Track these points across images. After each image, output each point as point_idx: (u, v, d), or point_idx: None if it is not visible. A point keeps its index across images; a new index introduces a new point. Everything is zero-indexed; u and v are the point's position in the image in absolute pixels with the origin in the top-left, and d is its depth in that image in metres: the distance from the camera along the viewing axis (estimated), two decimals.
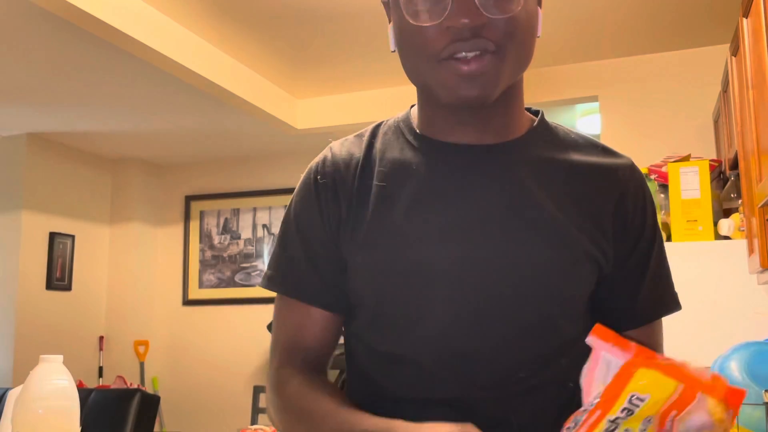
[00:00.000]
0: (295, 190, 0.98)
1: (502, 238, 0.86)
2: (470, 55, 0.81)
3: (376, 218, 0.89)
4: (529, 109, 0.98)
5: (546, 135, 0.95)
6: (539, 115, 0.97)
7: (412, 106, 0.99)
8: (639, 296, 0.94)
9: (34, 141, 4.85)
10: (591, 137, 0.99)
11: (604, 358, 0.62)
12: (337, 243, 0.91)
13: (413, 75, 0.89)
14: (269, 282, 0.97)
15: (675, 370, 0.60)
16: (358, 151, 0.94)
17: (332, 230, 0.91)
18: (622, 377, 0.60)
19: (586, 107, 4.45)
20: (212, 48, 3.73)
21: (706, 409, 0.60)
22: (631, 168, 0.95)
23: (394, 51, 0.91)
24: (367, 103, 4.37)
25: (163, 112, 4.40)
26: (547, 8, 3.95)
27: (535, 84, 3.96)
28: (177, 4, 3.26)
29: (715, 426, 0.60)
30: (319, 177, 0.94)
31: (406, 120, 0.97)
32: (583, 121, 4.79)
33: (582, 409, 0.62)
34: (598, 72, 3.93)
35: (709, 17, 3.38)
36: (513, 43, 0.83)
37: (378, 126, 0.98)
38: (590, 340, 0.63)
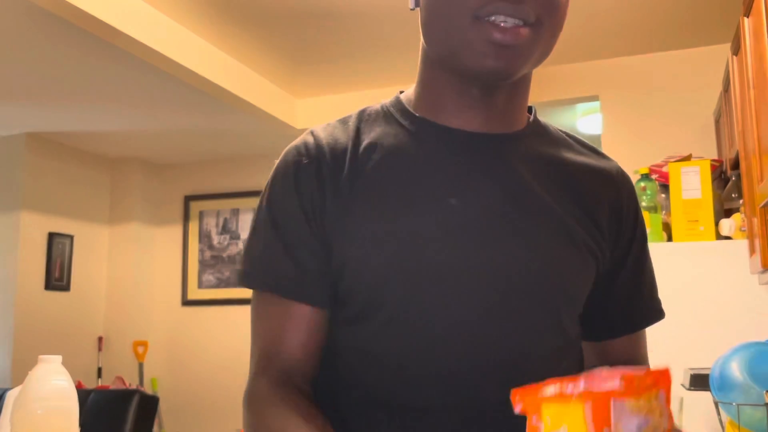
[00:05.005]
0: (270, 178, 0.88)
1: (508, 235, 0.82)
2: (509, 22, 0.76)
3: (371, 211, 0.81)
4: None
5: (541, 131, 0.92)
6: (533, 112, 0.93)
7: (401, 92, 0.93)
8: (637, 301, 0.93)
9: (33, 141, 4.84)
10: (579, 137, 0.96)
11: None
12: (321, 230, 0.82)
13: (437, 35, 0.82)
14: (242, 278, 0.88)
15: (571, 393, 0.58)
16: (345, 137, 0.86)
17: (314, 216, 0.82)
18: (534, 421, 0.58)
19: (587, 107, 4.44)
20: (212, 48, 3.73)
21: (629, 412, 0.57)
22: (623, 172, 0.94)
23: (414, 9, 0.84)
24: (367, 103, 4.30)
25: (163, 112, 4.40)
26: None
27: (535, 84, 3.92)
28: (177, 4, 3.26)
29: (651, 419, 0.57)
30: (303, 159, 0.85)
31: (397, 104, 0.90)
32: (584, 121, 4.79)
33: None
34: (598, 72, 3.93)
35: (710, 17, 3.37)
36: (552, 20, 0.78)
37: (362, 112, 0.92)
38: (518, 408, 0.59)
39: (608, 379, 0.57)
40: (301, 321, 0.84)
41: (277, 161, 0.89)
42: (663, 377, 0.59)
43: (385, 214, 0.81)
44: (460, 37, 0.78)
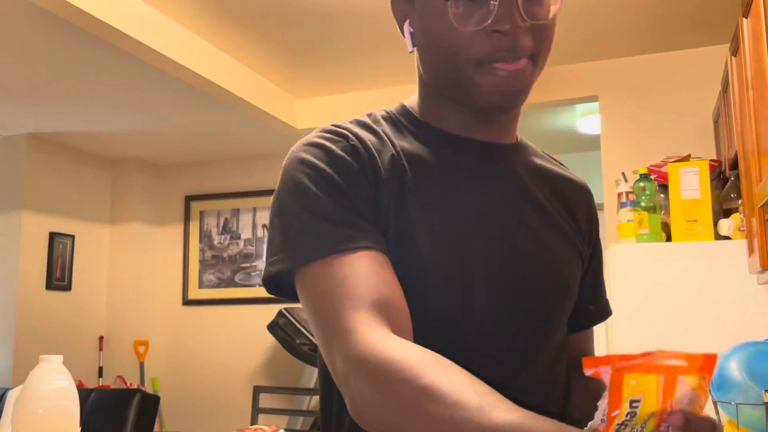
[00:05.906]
0: (302, 159, 0.82)
1: (529, 233, 0.89)
2: (510, 59, 0.82)
3: (409, 211, 0.82)
4: None
5: (527, 146, 1.00)
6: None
7: (402, 103, 0.95)
8: (596, 301, 1.05)
9: (34, 141, 4.85)
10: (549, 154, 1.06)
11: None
12: (376, 197, 0.82)
13: (443, 77, 0.86)
14: (297, 256, 0.78)
15: (652, 365, 0.64)
16: (373, 137, 0.86)
17: (366, 184, 0.81)
18: (616, 385, 0.62)
19: (586, 107, 4.45)
20: (212, 48, 3.73)
21: (688, 386, 0.65)
22: (588, 186, 1.06)
23: (412, 51, 0.89)
24: (367, 103, 4.37)
25: (163, 112, 4.40)
26: None
27: (535, 84, 3.96)
28: (177, 4, 3.26)
29: (698, 395, 0.66)
30: (349, 141, 0.83)
31: (405, 113, 0.92)
32: (583, 121, 4.78)
33: (594, 422, 0.62)
34: (598, 72, 3.94)
35: (709, 17, 3.38)
36: (544, 49, 0.86)
37: (371, 115, 0.91)
38: (590, 371, 0.63)
39: (674, 358, 0.65)
40: (372, 262, 0.77)
41: (294, 152, 0.85)
42: (711, 362, 0.65)
43: (418, 214, 0.82)
44: (467, 80, 0.83)
